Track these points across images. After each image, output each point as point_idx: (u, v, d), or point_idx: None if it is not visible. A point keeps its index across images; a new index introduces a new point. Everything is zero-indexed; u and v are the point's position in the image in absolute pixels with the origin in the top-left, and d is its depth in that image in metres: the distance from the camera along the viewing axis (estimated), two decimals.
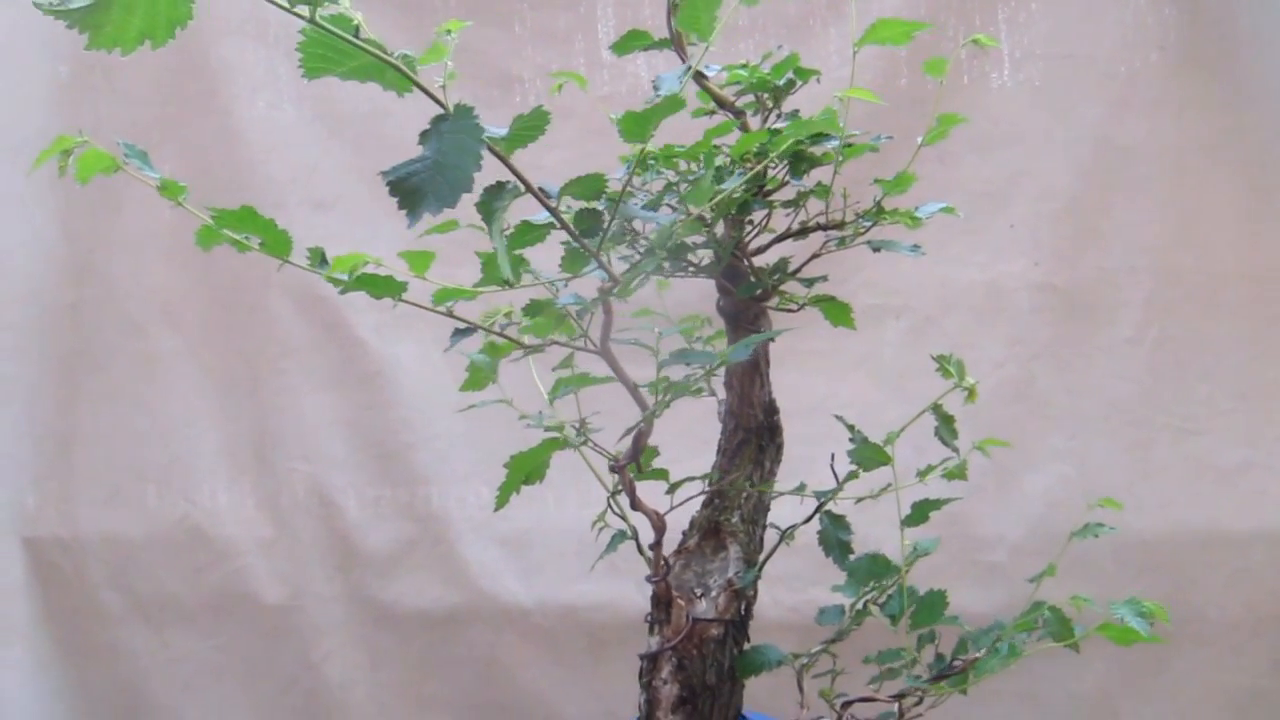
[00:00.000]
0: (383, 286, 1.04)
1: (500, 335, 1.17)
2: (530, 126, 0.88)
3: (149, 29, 0.71)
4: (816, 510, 1.28)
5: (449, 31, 0.89)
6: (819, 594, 1.28)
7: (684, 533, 1.35)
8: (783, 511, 1.36)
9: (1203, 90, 2.06)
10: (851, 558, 1.25)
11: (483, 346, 1.22)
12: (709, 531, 1.33)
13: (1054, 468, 2.10)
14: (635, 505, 1.23)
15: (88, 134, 0.99)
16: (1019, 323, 2.11)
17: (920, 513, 1.22)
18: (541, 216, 1.01)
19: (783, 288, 1.35)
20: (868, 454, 1.20)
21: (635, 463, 1.21)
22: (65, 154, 0.98)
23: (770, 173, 1.27)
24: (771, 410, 1.38)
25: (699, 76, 1.21)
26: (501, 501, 1.24)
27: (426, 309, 1.09)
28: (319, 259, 1.04)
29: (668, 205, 1.25)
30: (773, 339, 1.34)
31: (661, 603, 1.26)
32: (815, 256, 1.33)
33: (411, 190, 0.79)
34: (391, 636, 2.22)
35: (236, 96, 2.17)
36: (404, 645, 2.22)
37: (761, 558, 1.33)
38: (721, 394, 1.40)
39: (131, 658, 2.23)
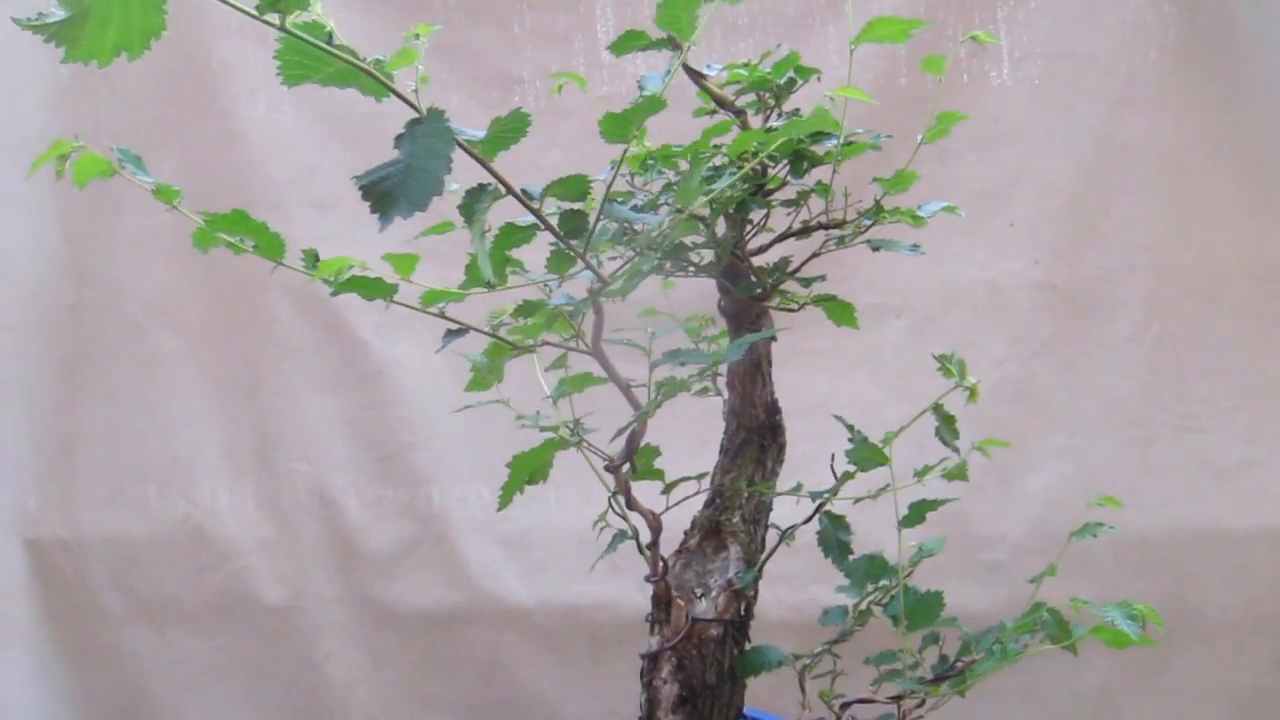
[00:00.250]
0: (373, 288, 1.04)
1: (493, 336, 1.17)
2: (510, 129, 0.88)
3: (124, 41, 0.72)
4: (816, 511, 1.28)
5: (418, 36, 0.89)
6: (820, 593, 1.28)
7: (685, 532, 1.35)
8: (786, 511, 1.36)
9: (1203, 88, 2.06)
10: (851, 558, 1.25)
11: (486, 348, 1.22)
12: (710, 531, 1.33)
13: (1054, 466, 2.10)
14: (631, 505, 1.23)
15: (88, 136, 0.99)
16: (1019, 321, 2.11)
17: (917, 513, 1.22)
18: (528, 218, 1.01)
19: (784, 287, 1.35)
20: (866, 454, 1.19)
21: (630, 462, 1.21)
22: (62, 158, 0.98)
23: (770, 172, 1.27)
24: (773, 410, 1.38)
25: (697, 76, 1.21)
26: (504, 501, 1.24)
27: (416, 309, 1.09)
28: (312, 261, 1.04)
29: (666, 205, 1.25)
30: (768, 339, 1.34)
31: (661, 602, 1.26)
32: (815, 256, 1.33)
33: (383, 194, 0.80)
34: (393, 637, 2.22)
35: (237, 98, 2.17)
36: (405, 645, 2.22)
37: (761, 558, 1.32)
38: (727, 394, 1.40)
39: (133, 658, 2.23)
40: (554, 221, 0.99)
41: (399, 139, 0.83)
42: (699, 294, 1.51)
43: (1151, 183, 2.08)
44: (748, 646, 1.31)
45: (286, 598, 2.22)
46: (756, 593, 1.33)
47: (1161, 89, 2.07)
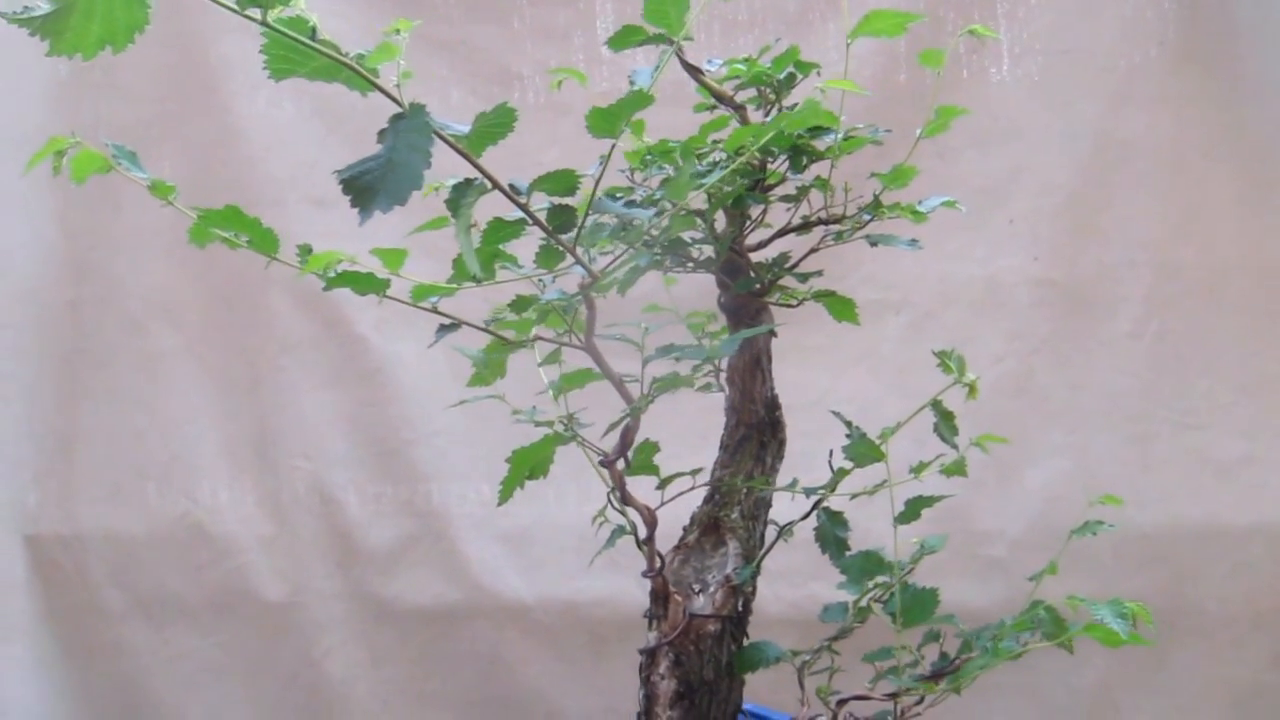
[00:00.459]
0: (365, 283, 1.04)
1: (486, 330, 1.17)
2: (496, 124, 0.88)
3: (108, 35, 0.73)
4: (813, 508, 1.28)
5: (398, 31, 0.89)
6: (820, 589, 1.28)
7: (684, 528, 1.35)
8: (786, 507, 1.36)
9: (1202, 85, 2.06)
10: (848, 555, 1.25)
11: (487, 344, 1.22)
12: (709, 527, 1.33)
13: (1054, 462, 2.10)
14: (625, 500, 1.23)
15: (87, 132, 0.99)
16: (1018, 318, 2.11)
17: (913, 509, 1.22)
18: (518, 213, 1.01)
19: (783, 283, 1.35)
20: (862, 450, 1.19)
21: (624, 458, 1.21)
22: (59, 154, 0.98)
23: (770, 167, 1.27)
24: (773, 406, 1.38)
25: (695, 71, 1.21)
26: (505, 496, 1.24)
27: (411, 305, 1.09)
28: (307, 257, 1.04)
29: (667, 202, 1.25)
30: (762, 334, 1.33)
31: (659, 598, 1.26)
32: (813, 251, 1.33)
33: (363, 188, 0.80)
34: (392, 633, 2.22)
35: (236, 93, 2.17)
36: (405, 642, 2.22)
37: (759, 555, 1.32)
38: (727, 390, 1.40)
39: (133, 655, 2.23)
40: (543, 217, 0.99)
41: (382, 133, 0.83)
42: (702, 290, 1.51)
43: (1151, 179, 2.08)
44: (746, 643, 1.31)
45: (286, 594, 2.22)
46: (755, 589, 1.33)
47: (1161, 86, 2.07)
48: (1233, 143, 2.06)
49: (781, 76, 1.24)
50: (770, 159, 1.26)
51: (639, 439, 1.26)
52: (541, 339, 1.20)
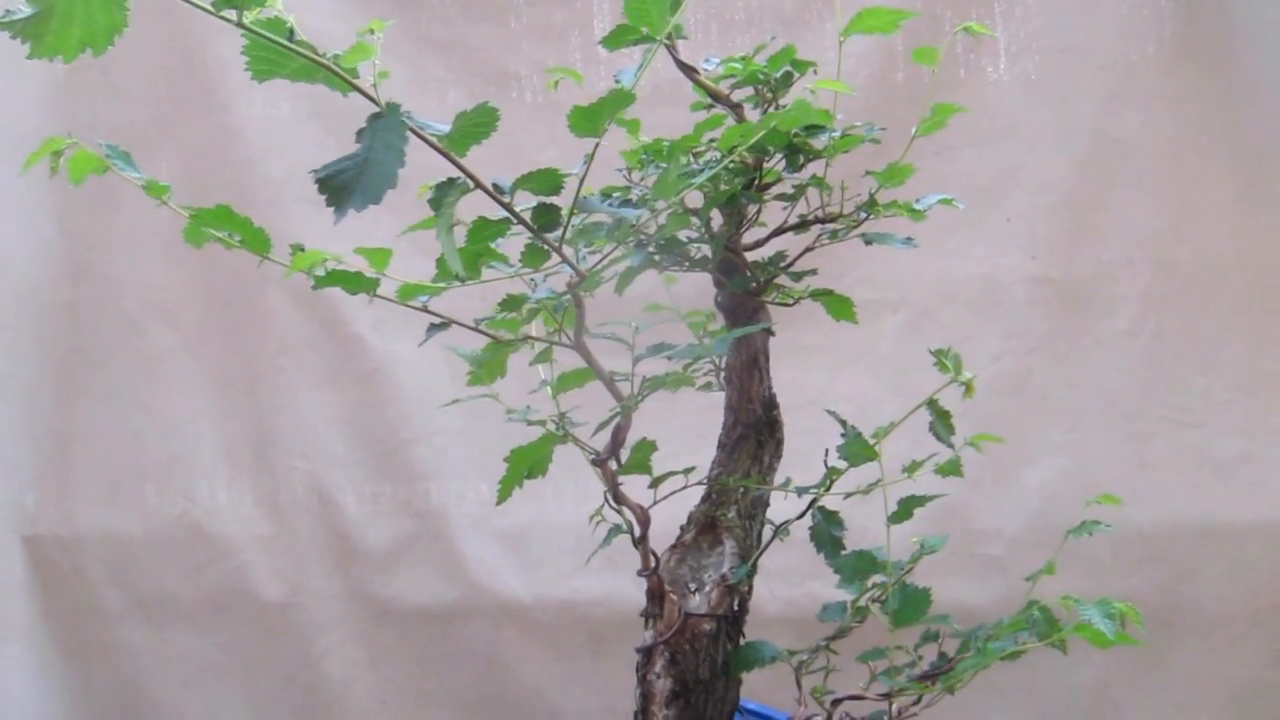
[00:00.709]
0: (355, 282, 1.04)
1: (475, 330, 1.17)
2: (477, 124, 0.89)
3: (89, 37, 0.73)
4: (809, 507, 1.28)
5: (372, 31, 0.89)
6: (818, 588, 1.28)
7: (681, 527, 1.35)
8: (783, 506, 1.36)
9: (1199, 83, 2.06)
10: (843, 554, 1.25)
11: (487, 343, 1.22)
12: (705, 526, 1.33)
13: (1052, 461, 2.10)
14: (618, 499, 1.23)
15: (85, 132, 1.00)
16: (1016, 316, 2.12)
17: (906, 509, 1.22)
18: (504, 211, 1.01)
19: (778, 282, 1.35)
20: (857, 449, 1.19)
21: (616, 456, 1.21)
22: (56, 155, 0.98)
23: (765, 166, 1.27)
24: (771, 405, 1.38)
25: (689, 71, 1.21)
26: (503, 495, 1.24)
27: (393, 301, 1.09)
28: (299, 252, 1.05)
29: (660, 201, 1.25)
30: (764, 334, 1.34)
31: (655, 597, 1.26)
32: (808, 250, 1.33)
33: (339, 187, 0.81)
34: (391, 633, 2.22)
35: (234, 94, 2.17)
36: (403, 641, 2.22)
37: (755, 554, 1.32)
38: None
39: (131, 655, 2.23)
40: (533, 216, 0.99)
41: (360, 133, 0.83)
42: (702, 289, 1.52)
43: (1148, 177, 2.08)
44: (742, 642, 1.31)
45: (284, 594, 2.22)
46: (751, 588, 1.33)
47: (1158, 84, 2.07)
48: (1230, 141, 2.06)
49: (778, 75, 1.24)
50: (765, 158, 1.25)
51: (637, 438, 1.26)
52: (532, 338, 1.20)
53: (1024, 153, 2.11)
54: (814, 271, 1.34)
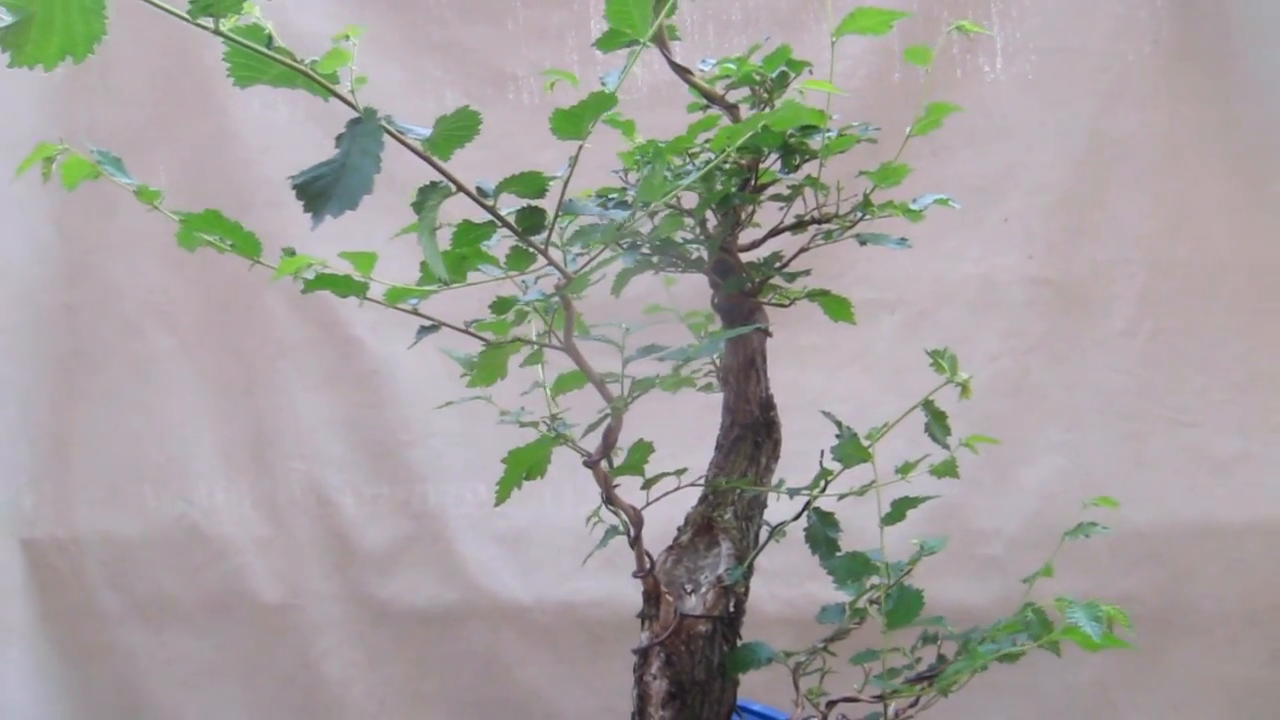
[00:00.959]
0: (344, 285, 1.04)
1: (465, 331, 1.17)
2: (459, 127, 0.89)
3: (69, 46, 0.74)
4: (805, 508, 1.28)
5: (347, 38, 0.89)
6: (816, 589, 1.28)
7: (678, 529, 1.35)
8: (781, 507, 1.36)
9: (1196, 83, 2.07)
10: (838, 555, 1.25)
11: (490, 346, 1.22)
12: (702, 528, 1.33)
13: (1049, 460, 2.10)
14: (611, 501, 1.23)
15: (82, 135, 1.00)
16: (1013, 316, 2.12)
17: (899, 510, 1.22)
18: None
19: (775, 282, 1.35)
20: (850, 451, 1.19)
21: (607, 457, 1.21)
22: (48, 161, 0.99)
23: (761, 166, 1.27)
24: (768, 406, 1.38)
25: (683, 72, 1.21)
26: (502, 496, 1.24)
27: (381, 303, 1.09)
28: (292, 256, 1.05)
29: (661, 202, 1.25)
30: (759, 335, 1.34)
31: (651, 598, 1.26)
32: (803, 251, 1.33)
33: (316, 193, 0.81)
34: (389, 634, 2.22)
35: (231, 96, 2.17)
36: (402, 643, 2.22)
37: (751, 555, 1.32)
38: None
39: (130, 657, 2.23)
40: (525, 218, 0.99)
41: (339, 138, 0.84)
42: (702, 290, 1.52)
43: (1145, 177, 2.08)
44: (739, 643, 1.31)
45: (283, 596, 2.22)
46: (747, 589, 1.33)
47: (1155, 83, 2.07)
48: (1227, 141, 2.06)
49: (773, 76, 1.24)
50: (760, 159, 1.25)
51: (634, 439, 1.26)
52: (521, 340, 1.19)
53: (1021, 153, 2.11)
54: (808, 272, 1.34)
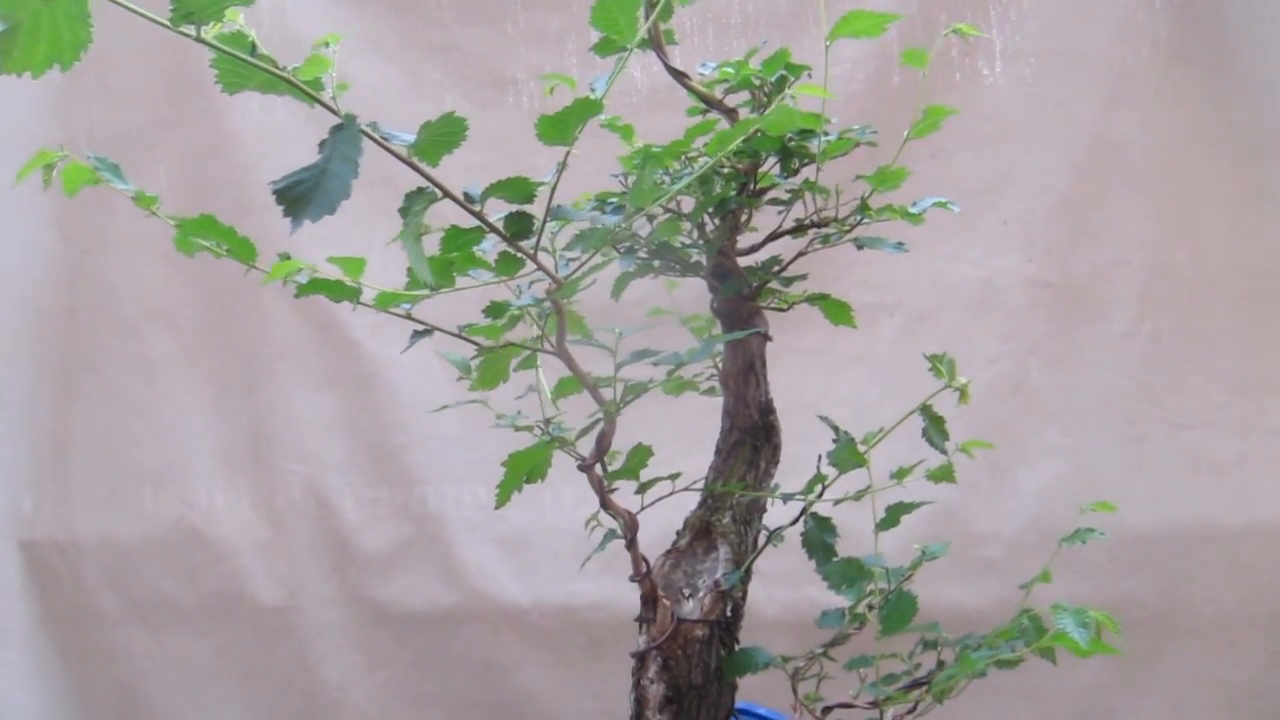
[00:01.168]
0: (338, 290, 1.04)
1: (458, 336, 1.17)
2: (445, 133, 0.89)
3: (55, 53, 0.75)
4: (802, 513, 1.28)
5: (327, 44, 0.89)
6: (815, 592, 1.28)
7: (677, 533, 1.35)
8: (780, 512, 1.36)
9: (1194, 85, 2.07)
10: (834, 560, 1.25)
11: (492, 350, 1.22)
12: (700, 532, 1.32)
13: (1049, 463, 2.10)
14: (605, 505, 1.23)
15: (81, 138, 1.00)
16: (1013, 319, 2.12)
17: (893, 516, 1.22)
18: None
19: (775, 286, 1.35)
20: (845, 456, 1.19)
21: (601, 462, 1.21)
22: (48, 167, 0.99)
23: (759, 170, 1.27)
24: (767, 410, 1.37)
25: (680, 76, 1.20)
26: (502, 499, 1.24)
27: (367, 306, 1.09)
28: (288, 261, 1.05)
29: (660, 207, 1.26)
30: (753, 338, 1.33)
31: (648, 602, 1.26)
32: (801, 255, 1.33)
33: (296, 199, 0.82)
34: (388, 637, 2.22)
35: (229, 99, 2.16)
36: (401, 645, 2.22)
37: (748, 560, 1.32)
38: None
39: (128, 660, 2.23)
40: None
41: (323, 144, 0.84)
42: (706, 295, 1.52)
43: (1144, 180, 2.08)
44: (737, 647, 1.31)
45: (282, 598, 2.22)
46: (745, 594, 1.32)
47: (1153, 86, 2.07)
48: (1225, 143, 2.06)
49: (773, 79, 1.24)
50: (758, 162, 1.25)
51: (634, 442, 1.26)
52: (514, 344, 1.19)
53: (1020, 155, 2.11)
54: (804, 276, 1.34)
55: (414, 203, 0.93)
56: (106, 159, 1.02)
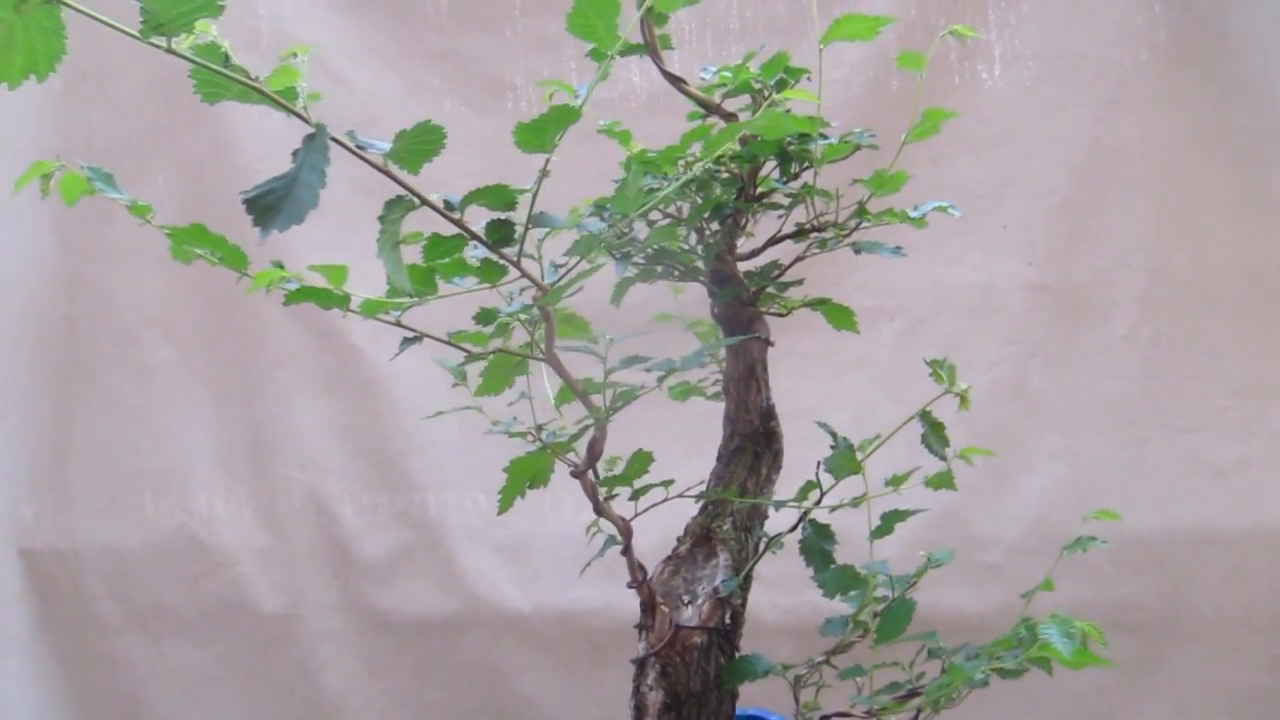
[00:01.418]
0: (327, 298, 1.04)
1: (448, 343, 1.17)
2: (422, 142, 0.89)
3: (31, 65, 0.76)
4: (800, 520, 1.27)
5: (295, 55, 0.89)
6: (816, 597, 1.27)
7: (678, 539, 1.35)
8: (782, 518, 1.35)
9: (1194, 88, 2.07)
10: (833, 567, 1.24)
11: (495, 355, 1.22)
12: (701, 538, 1.32)
13: (1050, 467, 2.10)
14: (599, 511, 1.23)
15: (81, 144, 1.00)
16: (1013, 323, 2.12)
17: (888, 524, 1.21)
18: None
19: (773, 291, 1.35)
20: (841, 463, 1.19)
21: (594, 468, 1.21)
22: (46, 178, 0.99)
23: (758, 174, 1.27)
24: (768, 416, 1.37)
25: (676, 81, 1.20)
26: (505, 505, 1.24)
27: (356, 314, 1.09)
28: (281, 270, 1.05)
29: (660, 211, 1.25)
30: (756, 342, 1.33)
31: (647, 609, 1.26)
32: (799, 259, 1.33)
33: (266, 208, 0.82)
34: (389, 644, 2.22)
35: (228, 105, 2.16)
36: (402, 652, 2.22)
37: (746, 566, 1.31)
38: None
39: (129, 668, 2.23)
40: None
41: (296, 153, 0.84)
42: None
43: (1144, 183, 2.08)
44: (737, 655, 1.30)
45: (283, 606, 2.22)
46: (745, 601, 1.31)
47: (1153, 90, 2.08)
48: (1225, 146, 2.06)
49: (772, 83, 1.24)
50: (757, 167, 1.25)
51: (635, 447, 1.25)
52: (504, 351, 1.19)
53: (1020, 159, 2.11)
54: (800, 282, 1.33)
55: (391, 211, 0.93)
56: (100, 169, 1.02)
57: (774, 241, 1.33)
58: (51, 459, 2.22)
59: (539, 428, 1.24)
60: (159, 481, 2.23)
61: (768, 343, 1.35)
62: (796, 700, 1.26)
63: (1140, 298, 2.09)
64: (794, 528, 1.27)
